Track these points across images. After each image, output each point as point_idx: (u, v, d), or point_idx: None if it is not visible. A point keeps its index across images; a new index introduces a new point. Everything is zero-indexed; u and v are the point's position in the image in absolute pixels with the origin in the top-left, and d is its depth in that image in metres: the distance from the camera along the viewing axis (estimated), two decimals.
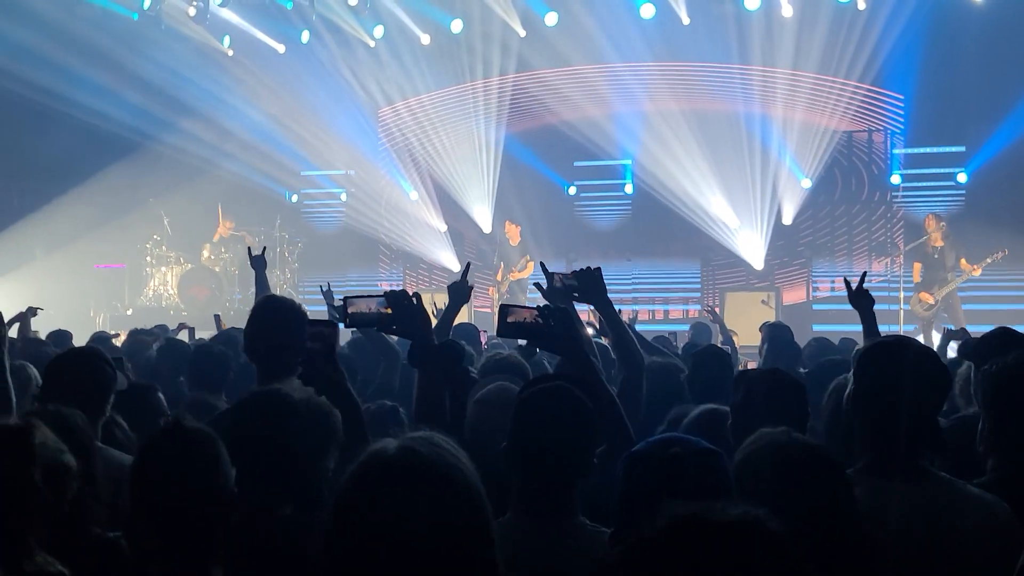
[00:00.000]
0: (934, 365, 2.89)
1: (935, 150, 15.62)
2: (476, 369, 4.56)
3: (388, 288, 3.50)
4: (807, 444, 2.45)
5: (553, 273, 4.30)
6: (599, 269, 4.23)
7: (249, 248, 7.86)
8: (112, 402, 3.70)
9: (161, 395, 4.22)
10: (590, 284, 4.21)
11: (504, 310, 3.44)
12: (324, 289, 7.57)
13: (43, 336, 8.54)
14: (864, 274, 5.34)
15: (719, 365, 4.88)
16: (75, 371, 3.64)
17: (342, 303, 3.48)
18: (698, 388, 4.67)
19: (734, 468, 2.38)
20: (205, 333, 9.50)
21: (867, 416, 2.82)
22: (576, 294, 4.26)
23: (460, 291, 5.13)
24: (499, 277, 15.01)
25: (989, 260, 12.96)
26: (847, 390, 2.97)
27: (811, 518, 2.19)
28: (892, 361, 2.87)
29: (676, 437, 2.58)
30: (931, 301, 13.11)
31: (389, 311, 3.35)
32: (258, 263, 6.36)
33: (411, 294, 3.42)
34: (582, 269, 4.23)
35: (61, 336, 7.85)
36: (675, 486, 2.29)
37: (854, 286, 5.08)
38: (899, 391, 2.79)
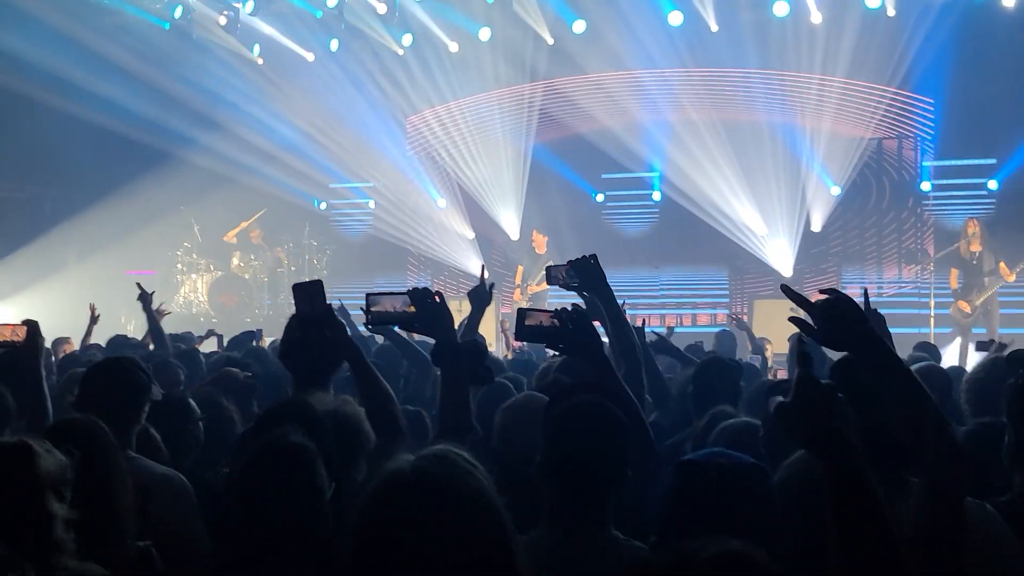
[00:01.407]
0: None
1: (965, 162, 15.47)
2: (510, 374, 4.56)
3: (412, 287, 3.49)
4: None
5: (550, 266, 4.22)
6: (595, 257, 4.11)
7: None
8: (147, 411, 3.73)
9: (194, 404, 4.24)
10: (588, 273, 4.09)
11: (522, 314, 3.45)
12: (337, 306, 7.35)
13: (77, 344, 8.65)
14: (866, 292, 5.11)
15: (719, 377, 4.74)
16: (110, 380, 3.66)
17: (364, 303, 3.47)
18: (699, 400, 4.59)
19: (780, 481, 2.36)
20: None
21: None
22: (575, 285, 4.15)
23: (480, 296, 5.18)
24: (518, 280, 15.11)
25: (1022, 266, 12.83)
26: None
27: None
28: (848, 377, 2.85)
29: (724, 452, 2.58)
30: (968, 310, 12.98)
31: (412, 309, 3.35)
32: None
33: (434, 292, 3.42)
34: (578, 258, 4.11)
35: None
36: (720, 501, 2.30)
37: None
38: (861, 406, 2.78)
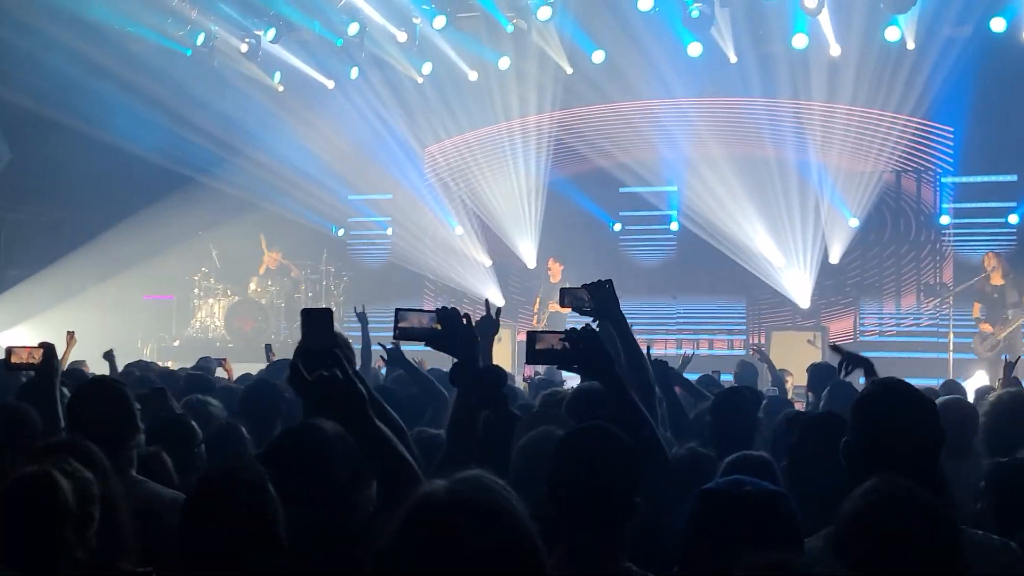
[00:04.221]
0: (927, 409, 2.83)
1: (986, 179, 15.39)
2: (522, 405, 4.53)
3: (441, 305, 3.50)
4: (925, 500, 2.34)
5: (564, 289, 4.19)
6: (610, 281, 4.09)
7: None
8: (143, 432, 3.70)
9: (196, 427, 4.24)
10: (602, 298, 4.05)
11: (532, 337, 3.43)
12: (358, 311, 7.65)
13: (91, 367, 8.65)
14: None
15: (738, 408, 4.65)
16: (97, 401, 3.61)
17: (393, 315, 3.46)
18: (717, 432, 4.51)
19: (843, 517, 2.32)
20: (250, 365, 9.55)
21: (862, 466, 2.73)
22: (588, 309, 4.09)
23: (488, 325, 5.17)
24: (536, 308, 15.11)
25: None
26: (843, 439, 2.90)
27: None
28: (884, 410, 2.84)
29: (746, 479, 2.55)
30: (990, 330, 12.83)
31: (439, 327, 3.34)
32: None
33: (462, 315, 3.41)
34: (594, 282, 4.08)
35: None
36: (744, 528, 2.26)
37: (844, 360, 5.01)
38: (892, 439, 2.76)
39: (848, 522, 2.26)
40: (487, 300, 5.55)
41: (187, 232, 16.83)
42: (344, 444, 2.97)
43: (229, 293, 16.87)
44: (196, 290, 17.02)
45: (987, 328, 12.89)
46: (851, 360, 5.05)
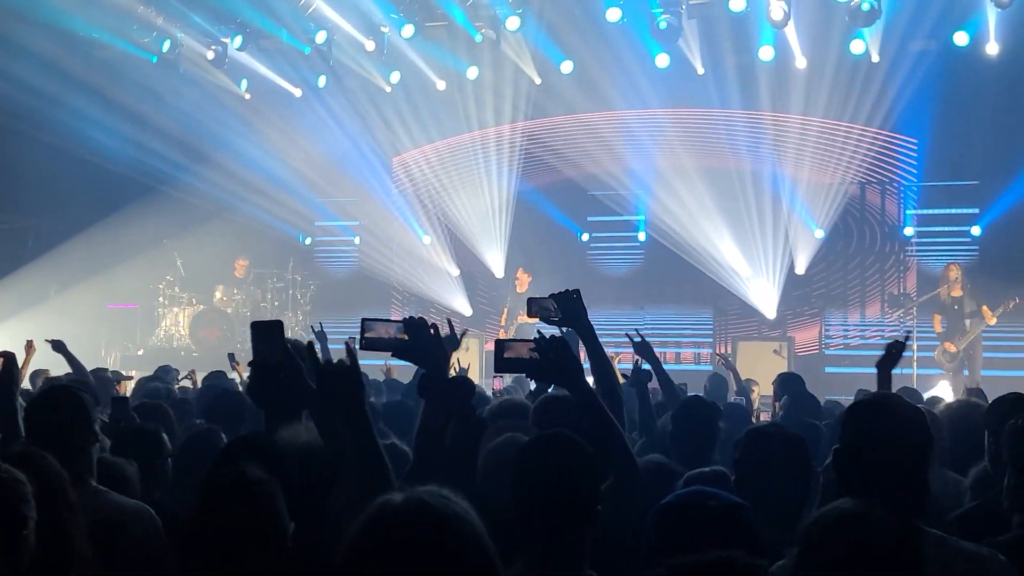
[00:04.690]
0: (917, 422, 2.85)
1: (948, 211, 15.60)
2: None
3: (408, 315, 3.47)
4: (880, 516, 2.32)
5: (531, 299, 4.17)
6: (578, 291, 4.07)
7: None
8: (99, 440, 3.64)
9: (166, 436, 4.19)
10: (569, 308, 4.04)
11: (500, 345, 3.43)
12: (317, 330, 7.68)
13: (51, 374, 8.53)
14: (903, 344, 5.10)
15: (698, 418, 4.66)
16: (53, 408, 3.55)
17: (359, 325, 3.43)
18: (677, 440, 4.55)
19: (802, 533, 2.32)
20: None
21: (853, 474, 2.76)
22: (556, 319, 4.08)
23: (450, 343, 5.16)
24: (503, 321, 15.08)
25: (1001, 310, 12.94)
26: (832, 449, 2.92)
27: None
28: (876, 419, 2.85)
29: (707, 490, 2.55)
30: (954, 350, 13.07)
31: (406, 337, 3.32)
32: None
33: (429, 324, 3.39)
34: (561, 292, 4.06)
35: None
36: (707, 538, 2.26)
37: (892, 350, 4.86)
38: (883, 449, 2.76)
39: (800, 543, 2.27)
40: (448, 319, 5.53)
41: (151, 240, 16.69)
42: (305, 454, 2.95)
43: (194, 302, 16.75)
44: (161, 299, 16.87)
45: (951, 348, 13.10)
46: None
